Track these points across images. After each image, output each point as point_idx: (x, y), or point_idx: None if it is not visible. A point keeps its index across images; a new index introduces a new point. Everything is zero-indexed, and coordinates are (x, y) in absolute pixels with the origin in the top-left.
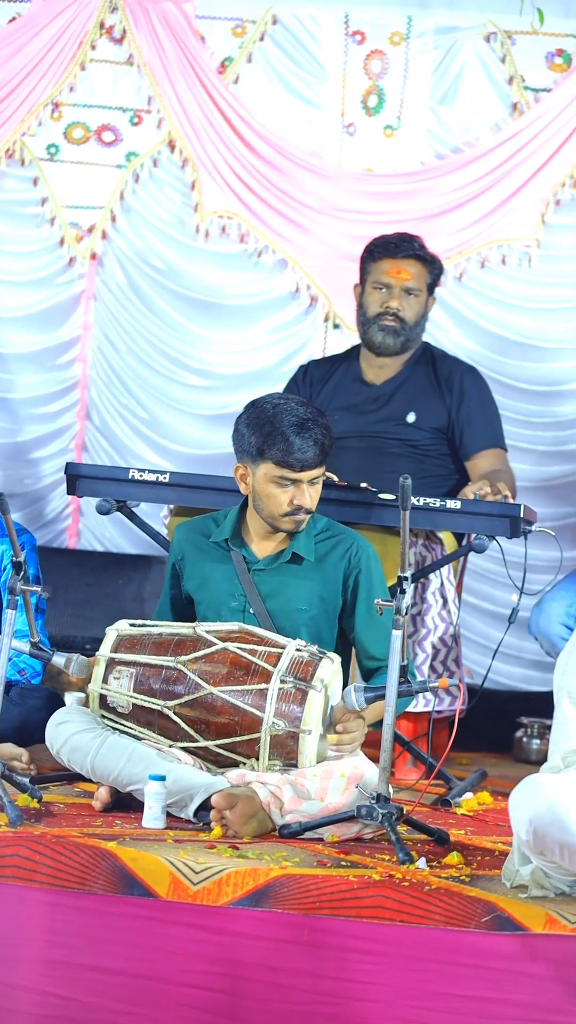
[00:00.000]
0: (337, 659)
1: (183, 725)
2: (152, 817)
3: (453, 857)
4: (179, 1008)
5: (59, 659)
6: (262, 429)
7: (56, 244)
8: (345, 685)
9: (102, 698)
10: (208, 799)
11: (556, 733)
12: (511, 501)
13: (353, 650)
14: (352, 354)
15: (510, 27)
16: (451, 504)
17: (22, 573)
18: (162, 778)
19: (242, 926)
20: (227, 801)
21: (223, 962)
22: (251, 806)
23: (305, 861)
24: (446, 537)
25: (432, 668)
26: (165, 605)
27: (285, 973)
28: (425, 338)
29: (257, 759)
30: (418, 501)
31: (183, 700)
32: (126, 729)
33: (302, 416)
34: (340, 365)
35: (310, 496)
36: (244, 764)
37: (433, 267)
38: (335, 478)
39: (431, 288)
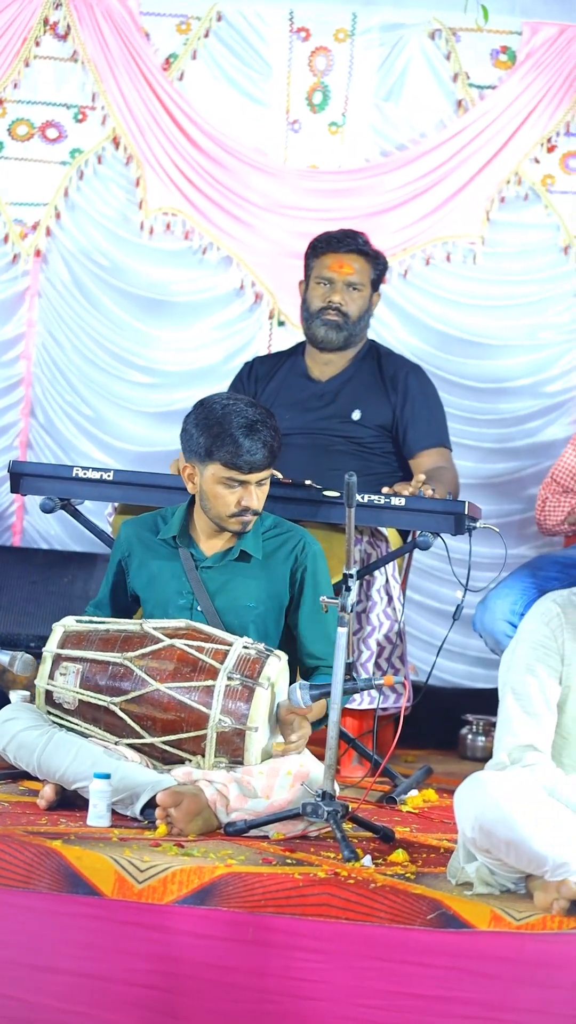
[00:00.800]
0: (284, 657)
1: (129, 721)
2: (97, 815)
3: (398, 855)
4: (124, 1007)
5: (3, 657)
6: (211, 430)
7: (0, 241)
8: (291, 683)
9: (48, 694)
10: (154, 797)
11: (501, 729)
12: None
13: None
14: (298, 351)
15: (455, 24)
16: (396, 501)
17: None
18: (107, 776)
19: (187, 925)
20: (172, 799)
21: (168, 961)
22: (196, 804)
23: (250, 859)
24: (391, 534)
25: (377, 665)
26: (104, 599)
27: (230, 972)
28: (370, 335)
29: (203, 756)
30: (363, 498)
31: (130, 696)
32: (72, 725)
33: (251, 418)
34: (285, 362)
35: (257, 497)
36: (190, 761)
37: (377, 263)
38: (279, 475)
39: (375, 284)
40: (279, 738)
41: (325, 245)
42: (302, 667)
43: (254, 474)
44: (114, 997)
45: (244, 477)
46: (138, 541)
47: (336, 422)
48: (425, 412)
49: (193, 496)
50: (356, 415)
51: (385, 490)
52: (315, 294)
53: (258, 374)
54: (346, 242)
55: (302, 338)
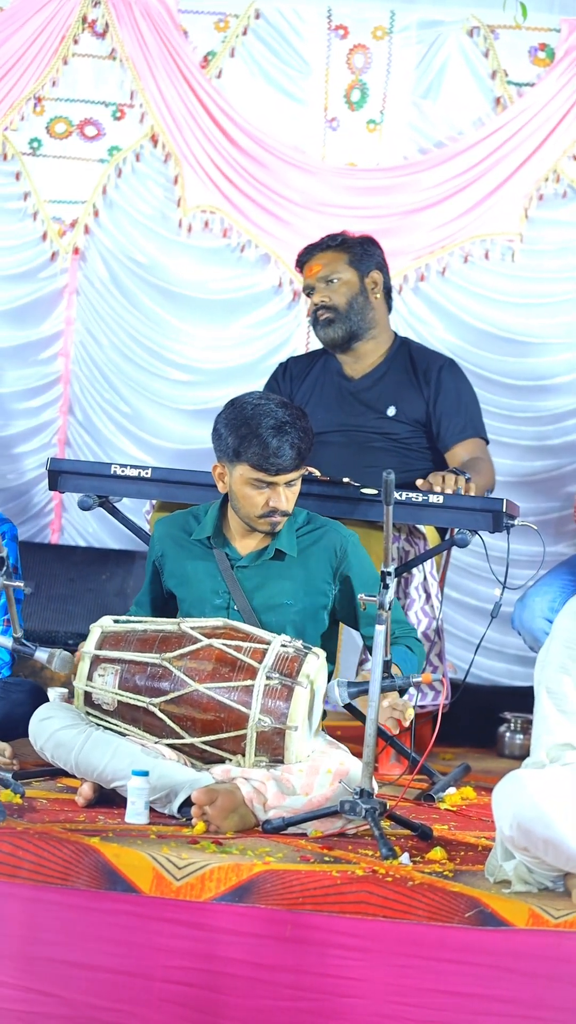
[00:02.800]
0: (322, 654)
1: (169, 722)
2: (135, 813)
3: (436, 852)
4: (161, 1004)
5: (42, 654)
6: (239, 430)
7: (39, 239)
8: (329, 680)
9: (87, 695)
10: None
11: (537, 728)
12: (458, 490)
13: (339, 644)
14: (331, 353)
15: (493, 21)
16: (434, 499)
17: (3, 568)
18: (145, 773)
19: (225, 922)
20: (207, 796)
21: (206, 958)
22: (232, 801)
23: (288, 857)
24: (429, 532)
25: None
26: (144, 598)
27: (267, 969)
28: (407, 332)
29: (243, 755)
30: (401, 496)
31: (169, 697)
32: (111, 726)
33: (280, 418)
34: (319, 361)
35: (286, 498)
36: (230, 760)
37: (349, 247)
38: (317, 473)
39: (361, 267)
40: (321, 736)
41: (298, 262)
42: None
43: (282, 476)
44: (152, 994)
45: (272, 479)
46: (171, 541)
47: (372, 419)
48: (458, 404)
49: (226, 494)
50: (391, 411)
51: (419, 483)
52: (309, 306)
53: (292, 373)
54: (308, 249)
55: None
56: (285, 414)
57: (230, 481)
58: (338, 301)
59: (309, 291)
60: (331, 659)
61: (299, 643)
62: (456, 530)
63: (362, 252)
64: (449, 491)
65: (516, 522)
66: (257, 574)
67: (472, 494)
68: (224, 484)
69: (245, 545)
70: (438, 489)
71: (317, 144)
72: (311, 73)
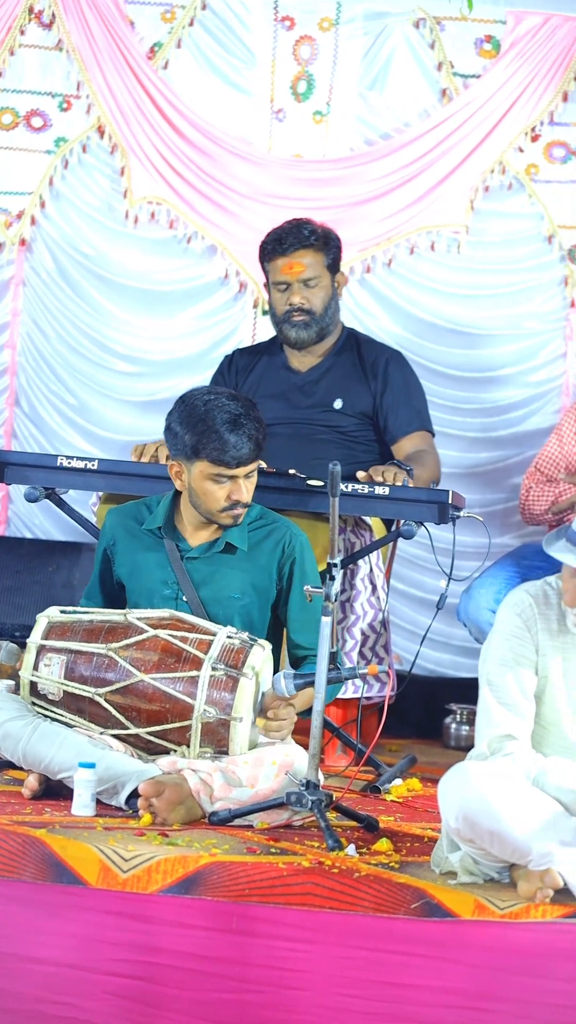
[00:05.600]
0: (268, 646)
1: (114, 712)
2: (82, 805)
3: (382, 844)
4: (106, 997)
5: None
6: (195, 428)
7: None
8: (275, 672)
9: (32, 685)
10: (138, 787)
11: (480, 720)
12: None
13: (284, 637)
14: (277, 342)
15: (439, 13)
16: (380, 490)
17: None
18: (92, 765)
19: (171, 914)
20: (154, 788)
21: (151, 950)
22: (179, 793)
23: (235, 848)
24: (375, 523)
25: (361, 654)
26: (95, 589)
27: (213, 961)
28: (353, 324)
29: (188, 746)
30: (347, 487)
31: (114, 687)
32: (57, 716)
33: (234, 412)
34: (265, 353)
35: (246, 490)
36: (175, 751)
37: (328, 248)
38: (264, 465)
39: (333, 268)
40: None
41: (272, 248)
42: (291, 658)
43: (241, 468)
44: (97, 987)
45: (232, 472)
46: (123, 530)
47: (318, 412)
48: (405, 397)
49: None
50: (338, 404)
51: (360, 475)
52: (277, 299)
53: (238, 366)
54: (290, 241)
55: None
56: (238, 407)
57: (188, 479)
58: (316, 305)
59: (283, 287)
60: (276, 652)
61: (245, 635)
62: (402, 522)
63: (334, 252)
64: (394, 483)
65: (462, 514)
66: (206, 566)
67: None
68: (182, 482)
69: (196, 537)
70: (379, 479)
71: (263, 135)
72: (257, 64)
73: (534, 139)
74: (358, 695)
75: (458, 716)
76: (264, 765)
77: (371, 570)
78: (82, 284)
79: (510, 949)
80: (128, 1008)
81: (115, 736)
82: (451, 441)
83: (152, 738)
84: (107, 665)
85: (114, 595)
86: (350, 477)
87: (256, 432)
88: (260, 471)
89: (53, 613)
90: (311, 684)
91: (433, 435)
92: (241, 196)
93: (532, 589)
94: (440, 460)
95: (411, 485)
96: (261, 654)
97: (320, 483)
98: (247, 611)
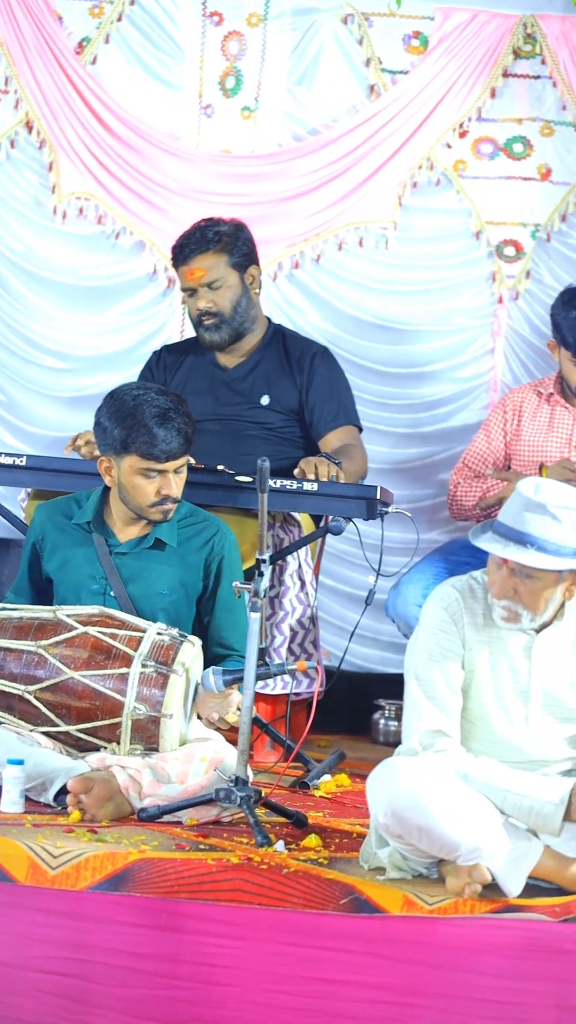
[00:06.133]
0: (198, 642)
1: (44, 710)
2: (10, 801)
3: (311, 839)
4: (34, 994)
5: None
6: (124, 422)
7: None
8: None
9: None
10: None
11: (408, 716)
12: (333, 477)
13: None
14: None
15: (367, 9)
16: (308, 486)
17: None
18: (20, 762)
19: (100, 911)
20: (83, 785)
21: (80, 947)
22: (107, 789)
23: (164, 845)
24: (303, 519)
25: (290, 650)
26: (23, 584)
27: (142, 958)
28: (282, 320)
29: (118, 743)
30: (275, 483)
31: (44, 685)
32: None
33: (163, 406)
34: (193, 350)
35: (176, 485)
36: (105, 748)
37: (231, 246)
38: (192, 461)
39: (241, 263)
40: (194, 723)
41: (175, 256)
42: (211, 656)
43: (171, 462)
44: (26, 984)
45: (162, 466)
46: (52, 525)
47: (246, 408)
48: (332, 392)
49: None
50: (265, 400)
51: (297, 472)
52: (188, 303)
53: (166, 363)
54: (190, 248)
55: None
56: (167, 401)
57: (118, 474)
58: (223, 307)
59: (190, 292)
60: (205, 648)
61: (175, 631)
62: (331, 518)
63: (240, 249)
64: (324, 478)
65: (390, 509)
66: (135, 562)
67: (343, 481)
68: (112, 478)
69: (126, 533)
70: (310, 475)
71: (192, 131)
72: (186, 60)
73: (462, 135)
74: (287, 691)
75: (386, 712)
76: (193, 761)
77: (300, 566)
78: (9, 279)
79: (438, 944)
80: (59, 1006)
81: (45, 733)
82: (379, 437)
83: (82, 735)
84: (37, 662)
85: (42, 590)
86: (278, 473)
87: (185, 427)
88: (189, 467)
89: None
90: (240, 680)
91: (360, 430)
92: (169, 192)
93: (458, 584)
94: (367, 455)
95: (340, 478)
96: (191, 650)
97: (249, 479)
98: (174, 607)
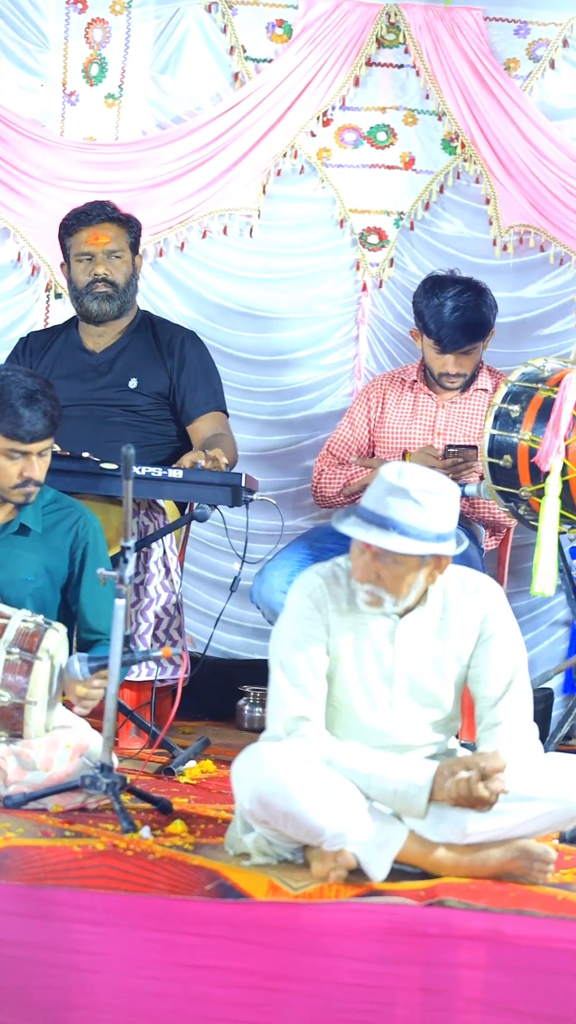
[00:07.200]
0: (63, 629)
1: None
2: None
3: (177, 825)
4: None
5: None
6: None
7: None
8: (70, 654)
9: None
10: None
11: (272, 702)
12: (225, 469)
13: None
14: (71, 324)
15: None
16: (173, 473)
17: None
18: None
19: None
20: None
21: None
22: None
23: (29, 832)
24: (168, 506)
25: (155, 637)
26: None
27: (9, 945)
28: (146, 307)
29: None
30: (140, 470)
31: None
32: None
33: (30, 388)
34: (60, 335)
35: (39, 467)
36: None
37: (131, 226)
38: (57, 447)
39: (134, 248)
40: (60, 710)
41: (76, 221)
42: (81, 642)
43: (36, 444)
44: None
45: (26, 447)
46: None
47: (113, 392)
48: (202, 378)
49: None
50: (133, 383)
51: (187, 463)
52: (79, 271)
53: (33, 348)
54: (96, 213)
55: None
56: (34, 383)
57: None
58: (119, 278)
59: (87, 257)
60: (70, 635)
61: (40, 618)
62: (195, 504)
63: (134, 233)
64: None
65: (255, 496)
66: (0, 548)
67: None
68: None
69: None
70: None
71: (56, 118)
72: (50, 47)
73: (326, 123)
74: (152, 678)
75: (251, 698)
76: (59, 748)
77: (164, 553)
78: None
79: (303, 929)
80: None
81: None
82: (244, 424)
83: None
84: None
85: None
86: (144, 459)
87: (52, 409)
88: (54, 454)
89: None
90: (105, 667)
91: (228, 416)
92: (34, 179)
93: (322, 570)
94: (236, 442)
95: (220, 467)
96: (56, 637)
97: (114, 466)
98: (40, 594)
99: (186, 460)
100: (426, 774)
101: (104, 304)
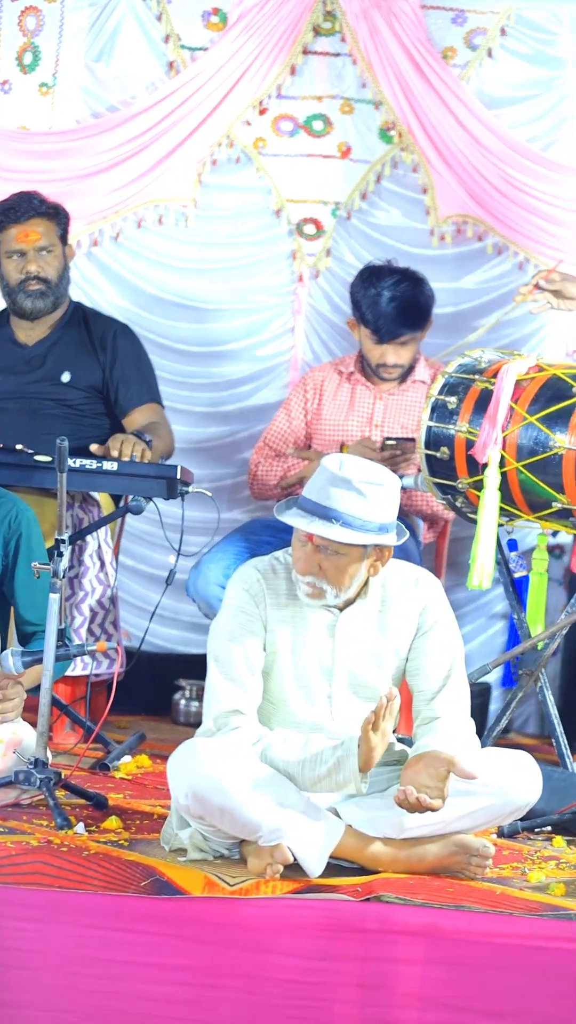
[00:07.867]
0: None
1: None
2: None
3: (112, 821)
4: None
5: None
6: None
7: None
8: (3, 649)
9: None
10: None
11: (207, 697)
12: (149, 446)
13: (10, 615)
14: (3, 317)
15: None
16: (107, 466)
17: None
18: None
19: None
20: None
21: None
22: None
23: None
24: (103, 499)
25: (90, 631)
26: None
27: None
28: (80, 297)
29: None
30: (75, 463)
31: None
32: None
33: None
34: None
35: None
36: None
37: (59, 218)
38: None
39: (64, 239)
40: None
41: (5, 218)
42: (19, 634)
43: None
44: None
45: None
46: None
47: (46, 385)
48: (136, 370)
49: None
50: (66, 377)
51: (95, 449)
52: (10, 268)
53: None
54: (24, 209)
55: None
56: None
57: None
58: (51, 274)
59: (18, 255)
60: (4, 629)
61: None
62: (130, 497)
63: (63, 224)
64: (125, 458)
65: (190, 489)
66: None
67: (148, 459)
68: None
69: None
70: (115, 453)
71: None
72: None
73: (262, 112)
74: (87, 672)
75: (187, 692)
76: None
77: (99, 546)
78: None
79: (240, 925)
80: None
81: None
82: (179, 416)
83: None
84: None
85: None
86: (78, 451)
87: None
88: None
89: None
90: (39, 661)
91: (163, 407)
92: None
93: (260, 564)
94: (173, 433)
95: (146, 457)
96: None
97: (48, 458)
98: None
99: (101, 448)
100: (353, 738)
101: (38, 301)
